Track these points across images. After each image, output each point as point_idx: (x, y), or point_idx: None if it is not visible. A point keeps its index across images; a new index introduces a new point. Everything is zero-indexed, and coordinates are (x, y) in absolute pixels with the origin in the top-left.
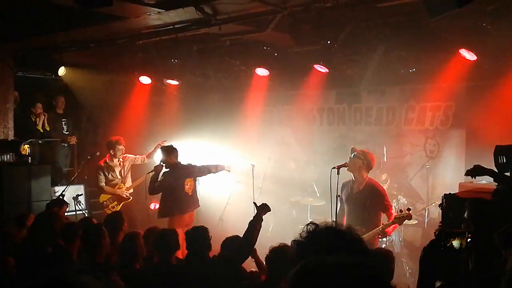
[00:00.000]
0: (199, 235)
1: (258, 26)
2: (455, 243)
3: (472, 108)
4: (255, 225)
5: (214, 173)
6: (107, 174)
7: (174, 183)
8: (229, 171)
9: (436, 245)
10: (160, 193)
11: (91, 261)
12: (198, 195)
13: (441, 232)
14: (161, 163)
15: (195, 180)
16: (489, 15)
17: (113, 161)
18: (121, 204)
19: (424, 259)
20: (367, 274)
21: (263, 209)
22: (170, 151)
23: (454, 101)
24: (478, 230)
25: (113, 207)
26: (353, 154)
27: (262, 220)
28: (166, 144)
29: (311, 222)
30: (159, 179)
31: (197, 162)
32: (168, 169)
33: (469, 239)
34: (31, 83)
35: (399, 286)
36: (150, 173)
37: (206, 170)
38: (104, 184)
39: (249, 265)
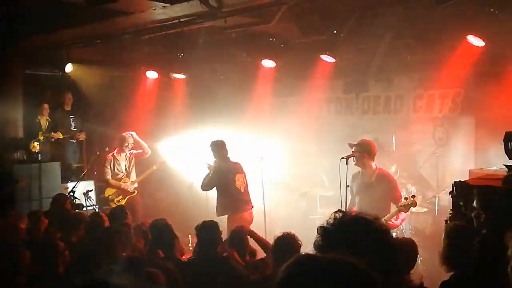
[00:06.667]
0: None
1: (264, 18)
2: None
3: (481, 94)
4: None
5: None
6: (113, 167)
7: (224, 178)
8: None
9: None
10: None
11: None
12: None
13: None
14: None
15: (245, 177)
16: (497, 0)
17: (120, 155)
18: (126, 198)
19: None
20: (357, 275)
21: None
22: (220, 146)
23: (462, 88)
24: (488, 217)
25: (118, 201)
26: (351, 151)
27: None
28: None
29: (338, 210)
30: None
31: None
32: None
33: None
34: (39, 80)
35: (411, 274)
36: (154, 168)
37: None
38: (110, 177)
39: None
